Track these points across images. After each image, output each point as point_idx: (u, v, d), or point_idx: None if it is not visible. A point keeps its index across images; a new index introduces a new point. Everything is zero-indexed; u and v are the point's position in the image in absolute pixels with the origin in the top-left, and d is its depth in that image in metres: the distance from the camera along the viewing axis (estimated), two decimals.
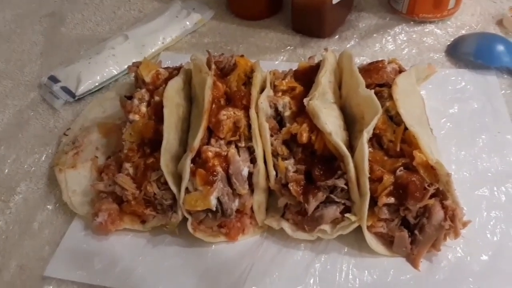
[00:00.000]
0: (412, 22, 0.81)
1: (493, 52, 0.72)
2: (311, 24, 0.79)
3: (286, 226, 0.53)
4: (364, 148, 0.50)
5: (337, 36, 0.81)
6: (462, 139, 0.62)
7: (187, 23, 0.85)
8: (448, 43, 0.77)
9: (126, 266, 0.54)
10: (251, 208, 0.55)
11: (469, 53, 0.73)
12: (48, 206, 0.61)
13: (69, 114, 0.73)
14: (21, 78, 0.80)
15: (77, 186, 0.60)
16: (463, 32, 0.79)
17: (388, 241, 0.52)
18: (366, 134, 0.51)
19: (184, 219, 0.54)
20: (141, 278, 0.52)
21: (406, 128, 0.52)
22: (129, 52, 0.80)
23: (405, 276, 0.50)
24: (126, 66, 0.77)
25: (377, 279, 0.50)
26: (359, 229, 0.51)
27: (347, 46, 0.78)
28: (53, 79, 0.76)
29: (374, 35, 0.80)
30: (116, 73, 0.78)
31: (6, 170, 0.66)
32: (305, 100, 0.55)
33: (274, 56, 0.79)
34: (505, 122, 0.64)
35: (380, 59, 0.65)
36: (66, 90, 0.75)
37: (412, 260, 0.51)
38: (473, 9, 0.84)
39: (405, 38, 0.79)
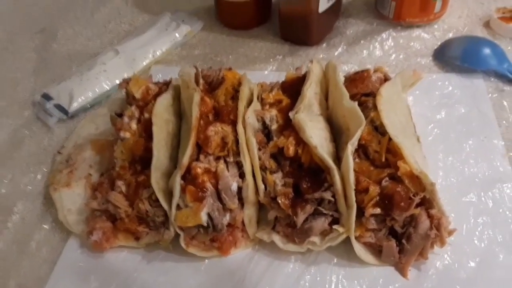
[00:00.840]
0: (399, 27, 0.82)
1: (479, 55, 0.72)
2: (299, 33, 0.80)
3: (277, 239, 0.54)
4: (349, 160, 0.51)
5: (324, 44, 0.81)
6: (449, 145, 0.63)
7: (177, 35, 0.86)
8: (435, 47, 0.78)
9: (122, 282, 0.55)
10: (242, 221, 0.56)
11: (455, 57, 0.73)
12: (45, 226, 0.62)
13: (63, 131, 0.74)
14: (15, 96, 0.81)
15: (72, 204, 0.61)
16: (450, 35, 0.80)
17: (376, 250, 0.53)
18: (351, 147, 0.51)
19: (177, 235, 0.55)
20: None
21: (390, 139, 0.53)
22: (120, 67, 0.81)
23: (394, 285, 0.51)
24: (117, 81, 0.78)
25: None
26: (348, 239, 0.52)
27: (335, 53, 0.79)
28: (46, 97, 0.77)
29: (362, 41, 0.81)
30: (108, 88, 0.78)
31: (3, 190, 0.67)
32: (290, 114, 0.56)
33: (263, 66, 0.80)
34: (492, 127, 0.65)
35: (368, 65, 0.66)
36: (59, 107, 0.76)
37: (401, 269, 0.52)
38: (460, 11, 0.85)
39: (392, 44, 0.79)
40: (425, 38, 0.80)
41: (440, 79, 0.72)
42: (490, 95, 0.69)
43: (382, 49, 0.79)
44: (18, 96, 0.81)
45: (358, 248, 0.52)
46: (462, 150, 0.62)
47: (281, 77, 0.68)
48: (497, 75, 0.72)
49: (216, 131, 0.57)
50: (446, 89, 0.70)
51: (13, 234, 0.62)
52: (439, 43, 0.78)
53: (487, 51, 0.72)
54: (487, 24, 0.81)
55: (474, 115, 0.66)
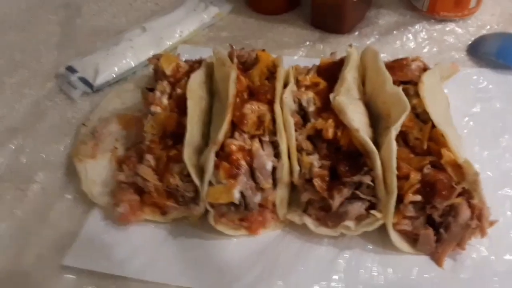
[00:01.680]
0: (432, 20, 0.81)
1: None
2: (331, 20, 0.79)
3: (309, 221, 0.53)
4: (392, 144, 0.49)
5: (356, 33, 0.80)
6: (485, 139, 0.62)
7: (205, 16, 0.85)
8: (469, 42, 0.77)
9: (147, 257, 0.53)
10: (273, 202, 0.55)
11: (490, 52, 0.72)
12: (67, 196, 0.61)
13: (87, 105, 0.73)
14: (38, 68, 0.80)
15: (97, 176, 0.60)
16: (484, 31, 0.79)
17: (412, 239, 0.52)
18: (394, 131, 0.50)
19: (206, 212, 0.53)
20: (162, 269, 0.52)
21: (433, 126, 0.52)
22: (147, 44, 0.79)
23: (429, 274, 0.50)
24: (144, 58, 0.77)
25: (401, 277, 0.50)
26: (382, 226, 0.51)
27: (367, 43, 0.78)
28: (71, 70, 0.76)
29: (394, 32, 0.79)
30: (134, 65, 0.77)
31: (24, 160, 0.66)
32: (331, 96, 0.55)
33: (292, 51, 0.78)
34: None
35: (400, 56, 0.65)
36: (84, 80, 0.74)
37: (437, 259, 0.50)
38: (493, 10, 0.83)
39: (425, 36, 0.78)
40: (459, 33, 0.79)
41: (475, 73, 0.71)
42: None
43: (415, 41, 0.78)
44: (41, 68, 0.80)
45: (394, 235, 0.51)
46: (497, 145, 0.61)
47: (311, 63, 0.67)
48: None
49: (253, 109, 0.56)
50: (481, 84, 0.69)
51: (33, 203, 0.61)
52: (472, 39, 0.77)
53: None
54: None
55: (509, 111, 0.65)
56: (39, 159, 0.66)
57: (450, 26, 0.80)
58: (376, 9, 0.84)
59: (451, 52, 0.75)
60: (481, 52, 0.74)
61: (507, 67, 0.71)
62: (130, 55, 0.77)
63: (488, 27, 0.80)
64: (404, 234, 0.52)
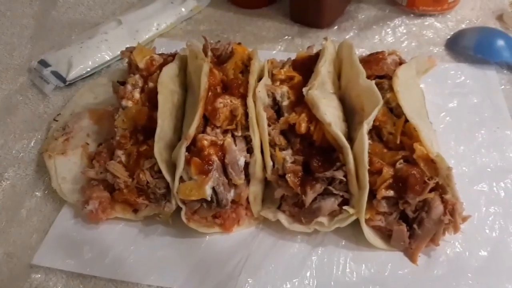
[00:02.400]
0: (412, 15, 0.80)
1: (493, 47, 0.71)
2: (310, 14, 0.78)
3: (283, 218, 0.52)
4: (364, 139, 0.49)
5: (336, 27, 0.79)
6: (461, 134, 0.62)
7: (183, 9, 0.83)
8: (448, 37, 0.77)
9: (117, 255, 0.52)
10: (247, 199, 0.54)
11: (469, 47, 0.72)
12: (37, 193, 0.59)
13: (59, 99, 0.71)
14: (10, 62, 0.78)
15: (67, 173, 0.58)
16: (463, 26, 0.79)
17: (386, 235, 0.51)
18: (367, 126, 0.50)
19: (178, 209, 0.52)
20: (132, 268, 0.51)
21: (406, 121, 0.51)
22: (122, 37, 0.78)
23: (403, 271, 0.49)
24: (119, 52, 0.74)
25: (375, 273, 0.49)
26: (356, 222, 0.50)
27: (346, 37, 0.77)
28: (43, 63, 0.74)
29: (374, 26, 0.79)
30: (108, 58, 0.75)
31: None
32: (304, 90, 0.54)
33: (271, 46, 0.77)
34: (504, 118, 0.64)
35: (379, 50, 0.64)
36: (56, 74, 0.73)
37: (410, 255, 0.50)
38: (473, 4, 0.83)
39: (404, 31, 0.78)
40: (438, 27, 0.79)
41: (452, 68, 0.71)
42: (502, 86, 0.68)
43: (394, 36, 0.77)
44: (13, 61, 0.78)
45: (368, 231, 0.50)
46: (474, 140, 0.61)
47: (289, 57, 0.66)
48: (509, 67, 0.70)
49: (225, 103, 0.54)
50: (458, 79, 0.69)
51: (2, 200, 0.59)
52: (451, 33, 0.77)
53: (501, 43, 0.71)
54: (500, 18, 0.80)
55: (486, 106, 0.65)
56: (9, 155, 0.64)
57: (429, 20, 0.79)
58: (356, 4, 0.83)
59: (429, 47, 0.75)
60: (460, 46, 0.74)
61: (485, 62, 0.71)
62: (104, 48, 0.76)
63: (467, 21, 0.80)
64: (378, 230, 0.51)
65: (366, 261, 0.50)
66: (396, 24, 0.79)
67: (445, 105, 0.65)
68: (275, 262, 0.50)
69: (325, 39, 0.61)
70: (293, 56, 0.65)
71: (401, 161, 0.50)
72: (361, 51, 0.73)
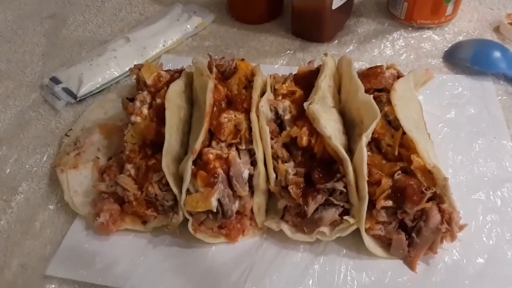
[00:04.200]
0: (410, 28, 0.82)
1: (489, 58, 0.73)
2: (311, 29, 0.80)
3: (286, 228, 0.54)
4: (363, 152, 0.51)
5: (336, 41, 0.82)
6: (459, 144, 0.63)
7: (188, 26, 0.86)
8: (446, 49, 0.78)
9: (127, 266, 0.54)
10: (251, 209, 0.56)
11: (466, 59, 0.74)
12: (50, 206, 0.62)
13: (71, 115, 0.74)
14: (23, 79, 0.81)
15: (79, 186, 0.61)
16: (461, 38, 0.81)
17: (385, 243, 0.53)
18: (365, 138, 0.52)
19: (185, 220, 0.54)
20: (142, 278, 0.53)
21: (404, 133, 0.53)
22: (131, 54, 0.80)
23: (402, 278, 0.51)
24: (127, 68, 0.78)
25: (375, 281, 0.51)
26: (357, 231, 0.52)
27: (346, 51, 0.80)
28: (55, 80, 0.77)
29: (373, 40, 0.81)
30: (117, 75, 0.78)
31: (8, 170, 0.66)
32: (305, 104, 0.56)
33: (274, 60, 0.80)
34: (501, 128, 0.65)
35: (378, 64, 0.66)
36: (67, 91, 0.76)
37: (409, 262, 0.52)
38: (470, 16, 0.85)
39: (403, 44, 0.80)
40: (436, 39, 0.81)
41: (450, 80, 0.72)
42: (499, 97, 0.70)
43: (393, 49, 0.79)
44: (26, 78, 0.81)
45: (368, 240, 0.52)
46: (471, 150, 0.63)
47: (291, 71, 0.69)
48: (506, 78, 0.72)
49: (230, 118, 0.57)
50: (456, 90, 0.71)
51: (16, 214, 0.61)
52: (449, 45, 0.79)
53: (497, 54, 0.72)
54: (497, 29, 0.82)
55: (483, 116, 0.67)
56: (22, 169, 0.67)
57: (427, 33, 0.82)
58: (356, 18, 0.86)
59: (427, 59, 0.77)
60: (457, 58, 0.75)
61: (482, 73, 0.72)
62: (113, 65, 0.79)
63: (465, 33, 0.82)
64: (377, 238, 0.53)
65: (367, 269, 0.52)
66: (394, 37, 0.81)
67: (443, 116, 0.67)
68: (279, 271, 0.52)
69: (325, 54, 0.64)
70: (295, 70, 0.67)
71: (399, 172, 0.52)
72: (361, 64, 0.76)
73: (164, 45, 0.83)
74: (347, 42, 0.81)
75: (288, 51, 0.81)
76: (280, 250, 0.54)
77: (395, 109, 0.54)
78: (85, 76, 0.76)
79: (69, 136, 0.68)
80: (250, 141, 0.56)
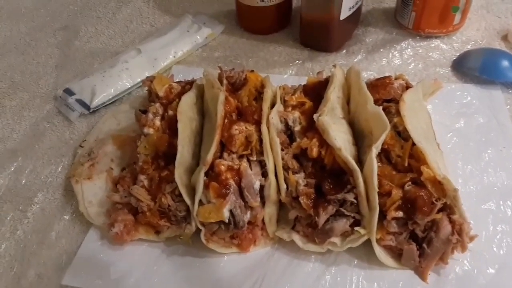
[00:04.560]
0: (418, 37, 0.83)
1: (498, 67, 0.73)
2: (319, 39, 0.81)
3: (297, 238, 0.55)
4: (373, 163, 0.51)
5: (344, 51, 0.82)
6: (468, 154, 0.64)
7: (198, 37, 0.87)
8: (454, 58, 0.79)
9: (141, 275, 0.55)
10: (263, 220, 0.56)
11: (474, 68, 0.74)
12: (65, 216, 0.63)
13: (84, 126, 0.75)
14: (37, 91, 0.82)
15: (93, 197, 0.62)
16: (469, 47, 0.81)
17: (396, 254, 0.53)
18: (375, 150, 0.52)
19: (198, 230, 0.55)
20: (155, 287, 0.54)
21: (413, 144, 0.54)
22: (142, 65, 0.82)
23: None
24: (139, 79, 0.80)
25: None
26: (368, 242, 0.53)
27: (355, 60, 0.80)
28: (68, 92, 0.78)
29: (381, 49, 0.82)
30: (129, 86, 0.80)
31: (24, 181, 0.68)
32: (314, 116, 0.57)
33: (283, 70, 0.81)
34: (511, 137, 0.65)
35: (387, 73, 0.67)
36: (81, 102, 0.77)
37: (420, 273, 0.52)
38: (478, 24, 0.86)
39: (411, 53, 0.80)
40: (444, 49, 0.81)
41: (458, 89, 0.73)
42: (508, 106, 0.70)
43: (401, 58, 0.80)
44: (40, 90, 0.82)
45: (379, 250, 0.52)
46: (481, 159, 0.63)
47: (300, 81, 0.70)
48: None
49: (241, 130, 0.58)
50: (464, 99, 0.71)
51: (32, 224, 0.63)
52: (457, 54, 0.79)
53: (505, 63, 0.73)
54: (504, 38, 0.82)
55: (492, 125, 0.67)
56: (38, 180, 0.68)
57: (435, 42, 0.82)
58: (364, 27, 0.86)
59: (436, 68, 0.77)
60: (465, 67, 0.76)
61: (491, 82, 0.73)
62: (125, 77, 0.80)
63: (473, 42, 0.82)
64: (388, 249, 0.53)
65: (378, 279, 0.52)
66: (402, 46, 0.82)
67: (452, 125, 0.67)
68: (291, 281, 0.53)
69: (334, 66, 0.65)
70: (303, 80, 0.68)
71: (410, 183, 0.52)
72: (369, 73, 0.77)
73: (174, 56, 0.85)
74: (355, 51, 0.82)
75: (297, 61, 0.82)
76: (292, 260, 0.55)
77: (404, 120, 0.55)
78: (98, 88, 0.78)
79: (83, 147, 0.70)
80: (260, 152, 0.57)
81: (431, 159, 0.51)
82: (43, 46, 0.92)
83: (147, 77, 0.71)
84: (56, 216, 0.63)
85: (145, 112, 0.65)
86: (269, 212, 0.56)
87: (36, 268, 0.58)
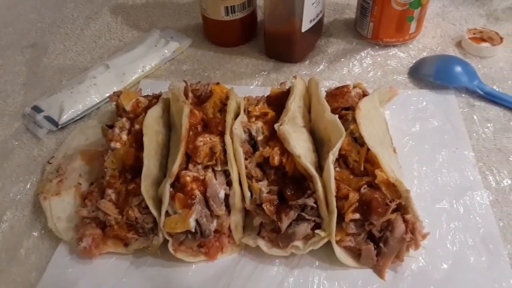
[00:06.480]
0: (377, 46, 0.87)
1: (451, 73, 0.77)
2: (283, 51, 0.84)
3: (262, 244, 0.57)
4: (330, 169, 0.54)
5: (307, 61, 0.85)
6: (423, 156, 0.67)
7: (166, 51, 0.89)
8: (411, 65, 0.83)
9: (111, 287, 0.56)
10: (229, 227, 0.58)
11: (429, 74, 0.78)
12: (34, 233, 0.63)
13: (53, 142, 0.76)
14: (5, 109, 0.82)
15: (62, 212, 0.63)
16: (425, 54, 0.85)
17: (356, 254, 0.56)
18: (332, 156, 0.55)
19: (165, 241, 0.57)
20: None
21: (369, 149, 0.56)
22: (110, 80, 0.83)
23: (372, 286, 0.54)
24: (107, 95, 0.81)
25: None
26: (329, 243, 0.55)
27: (317, 70, 0.83)
28: (36, 109, 0.79)
29: (342, 59, 0.85)
30: (97, 101, 0.81)
31: None
32: (276, 126, 0.59)
33: (249, 81, 0.83)
34: (463, 139, 0.69)
35: (348, 82, 0.70)
36: (49, 119, 0.78)
37: (379, 271, 0.55)
38: (433, 32, 0.90)
39: (370, 62, 0.84)
40: (401, 56, 0.85)
41: (415, 94, 0.76)
42: (461, 109, 0.74)
43: (361, 67, 0.83)
44: (8, 108, 0.83)
45: (339, 251, 0.55)
46: (435, 161, 0.66)
47: (266, 91, 0.72)
48: (468, 91, 0.76)
49: (205, 141, 0.59)
50: (420, 104, 0.75)
51: (1, 241, 0.63)
52: (414, 62, 0.83)
53: (458, 69, 0.77)
54: (459, 44, 0.87)
55: (446, 128, 0.70)
56: (7, 198, 0.68)
57: (393, 51, 0.86)
58: (326, 38, 0.90)
59: (393, 76, 0.81)
60: (421, 74, 0.80)
61: (445, 87, 0.77)
62: (93, 92, 0.81)
63: (428, 49, 0.86)
64: (348, 250, 0.56)
65: (339, 279, 0.54)
66: (362, 56, 0.85)
67: (409, 129, 0.71)
68: (256, 285, 0.55)
69: (294, 77, 0.67)
70: (269, 90, 0.71)
71: (365, 186, 0.55)
72: (331, 82, 0.80)
73: (143, 71, 0.86)
74: (318, 61, 0.85)
75: (263, 72, 0.84)
76: (257, 265, 0.57)
77: (359, 126, 0.58)
78: (66, 104, 0.78)
79: (51, 163, 0.70)
80: (225, 162, 0.59)
81: (385, 163, 0.54)
82: (11, 64, 0.92)
83: (114, 92, 0.72)
84: (25, 233, 0.63)
85: (111, 127, 0.66)
86: (235, 220, 0.58)
87: (6, 286, 0.58)
